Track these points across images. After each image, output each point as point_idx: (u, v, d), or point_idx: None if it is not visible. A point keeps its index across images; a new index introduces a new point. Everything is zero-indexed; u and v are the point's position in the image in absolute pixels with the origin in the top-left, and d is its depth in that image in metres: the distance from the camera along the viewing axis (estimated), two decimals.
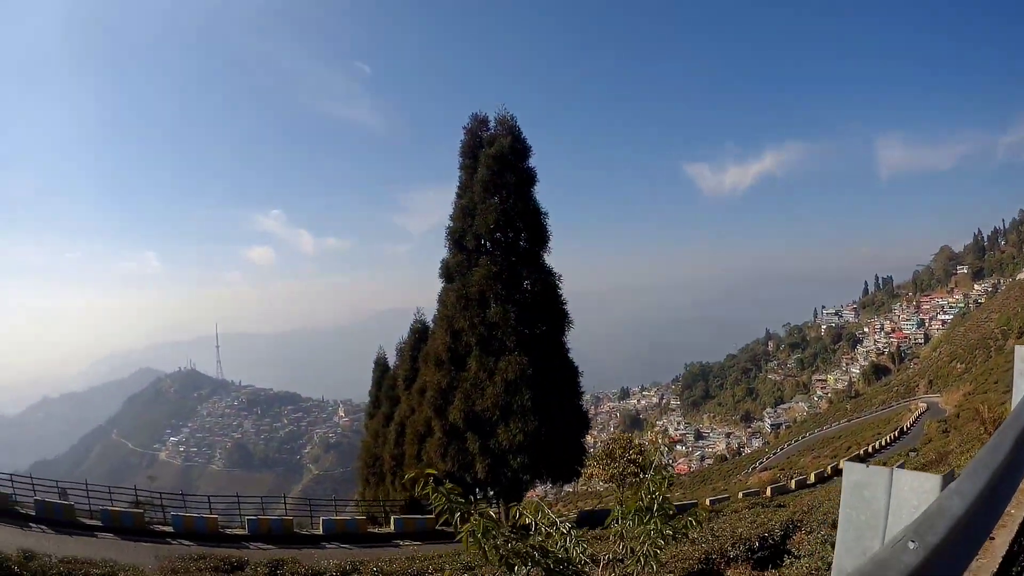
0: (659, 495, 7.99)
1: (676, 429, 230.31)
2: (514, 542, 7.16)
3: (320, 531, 35.19)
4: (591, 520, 33.13)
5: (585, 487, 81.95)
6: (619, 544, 8.65)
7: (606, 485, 40.55)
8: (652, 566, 7.76)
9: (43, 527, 31.16)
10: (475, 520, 7.11)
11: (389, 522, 37.84)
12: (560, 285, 35.85)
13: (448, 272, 36.05)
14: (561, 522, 7.90)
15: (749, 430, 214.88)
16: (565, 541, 7.68)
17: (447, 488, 7.50)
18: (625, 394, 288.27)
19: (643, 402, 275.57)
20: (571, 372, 35.64)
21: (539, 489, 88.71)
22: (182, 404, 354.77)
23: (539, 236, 35.86)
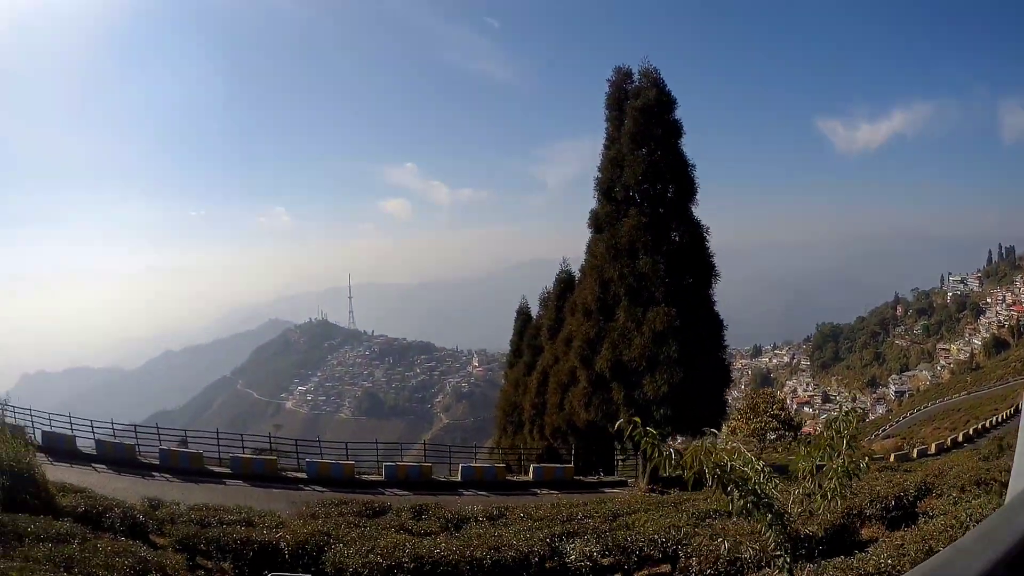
0: (848, 434, 8.17)
1: (804, 390, 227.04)
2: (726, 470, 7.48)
3: (458, 478, 35.63)
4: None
5: (726, 443, 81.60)
6: (808, 480, 8.79)
7: (747, 439, 40.35)
8: (837, 502, 8.03)
9: (167, 475, 32.84)
10: (698, 444, 7.53)
11: (527, 470, 38.29)
12: (708, 237, 35.62)
13: (597, 222, 36.12)
14: (757, 461, 8.15)
15: (875, 395, 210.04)
16: (759, 477, 7.91)
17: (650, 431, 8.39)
18: (757, 352, 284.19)
19: (774, 360, 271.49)
20: (716, 325, 35.42)
21: (678, 442, 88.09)
22: (311, 354, 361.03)
23: (687, 188, 35.60)
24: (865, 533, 12.94)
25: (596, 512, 17.95)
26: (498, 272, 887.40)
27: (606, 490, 33.76)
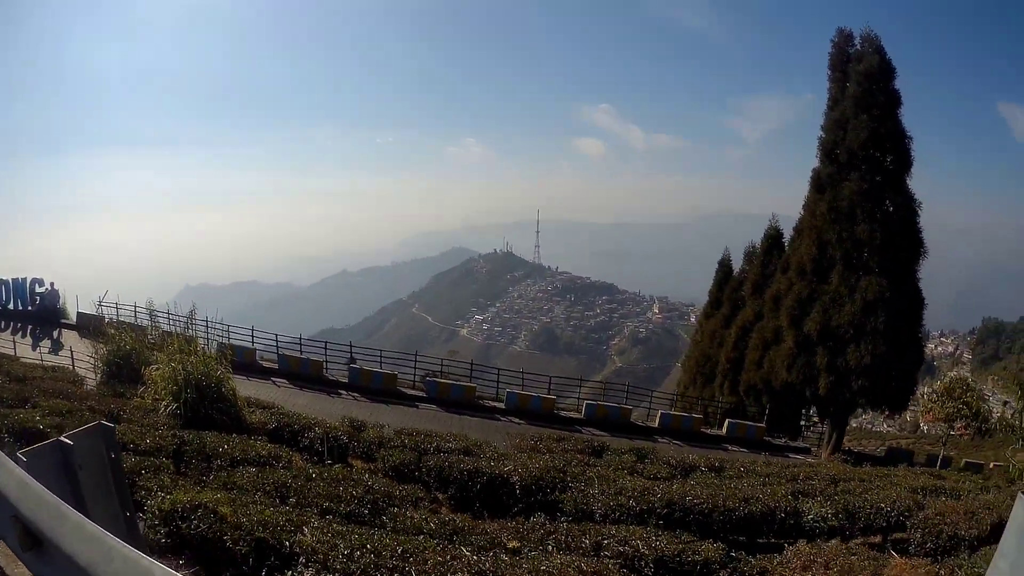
0: None
1: (930, 388, 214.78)
2: None
3: (656, 424, 36.18)
4: (896, 458, 34.16)
5: (921, 423, 79.80)
6: None
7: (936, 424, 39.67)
8: None
9: (355, 395, 33.26)
10: None
11: (718, 424, 38.80)
12: (919, 212, 35.44)
13: (819, 182, 36.54)
14: None
15: None
16: None
17: None
18: (925, 337, 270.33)
19: (939, 348, 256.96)
20: (917, 303, 35.30)
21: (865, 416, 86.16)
22: (492, 284, 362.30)
23: (903, 159, 35.51)
24: None
25: (815, 474, 17.42)
26: (687, 221, 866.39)
27: (791, 455, 33.54)
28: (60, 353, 32.36)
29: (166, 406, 14.69)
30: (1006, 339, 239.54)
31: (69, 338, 37.32)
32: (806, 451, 37.11)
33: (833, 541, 11.08)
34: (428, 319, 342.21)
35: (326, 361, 37.24)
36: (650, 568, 8.05)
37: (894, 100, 35.64)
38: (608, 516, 10.91)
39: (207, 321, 23.10)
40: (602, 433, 31.05)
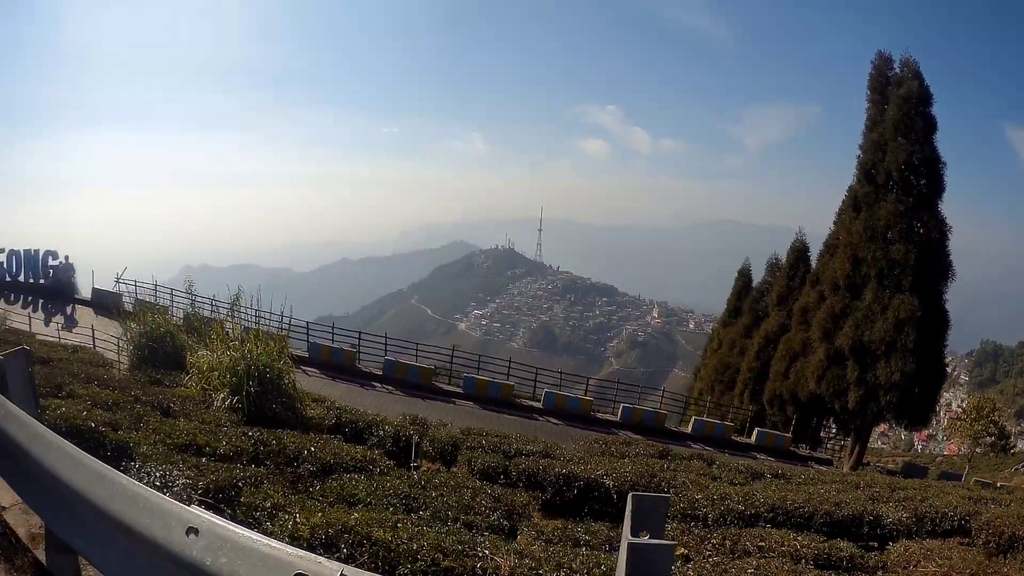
0: None
1: (959, 405, 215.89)
2: None
3: (688, 430, 36.71)
4: (913, 473, 35.09)
5: (946, 439, 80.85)
6: None
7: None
8: None
9: (389, 387, 32.84)
10: None
11: (750, 433, 39.05)
12: (949, 236, 36.29)
13: (855, 201, 37.40)
14: None
15: (1019, 427, 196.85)
16: None
17: None
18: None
19: None
20: (943, 323, 36.06)
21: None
22: (492, 280, 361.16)
23: (937, 184, 36.36)
24: None
25: (874, 482, 17.33)
26: (686, 226, 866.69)
27: (814, 465, 33.65)
28: (74, 330, 32.06)
29: (224, 399, 13.37)
30: (1004, 363, 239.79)
31: (83, 315, 37.02)
32: (828, 463, 37.58)
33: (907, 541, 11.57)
34: (427, 311, 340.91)
35: (359, 352, 36.79)
36: (810, 565, 8.42)
37: (931, 125, 36.52)
38: (718, 521, 10.83)
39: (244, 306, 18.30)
40: (638, 436, 30.36)
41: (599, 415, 36.12)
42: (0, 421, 5.04)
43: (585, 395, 38.41)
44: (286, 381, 14.39)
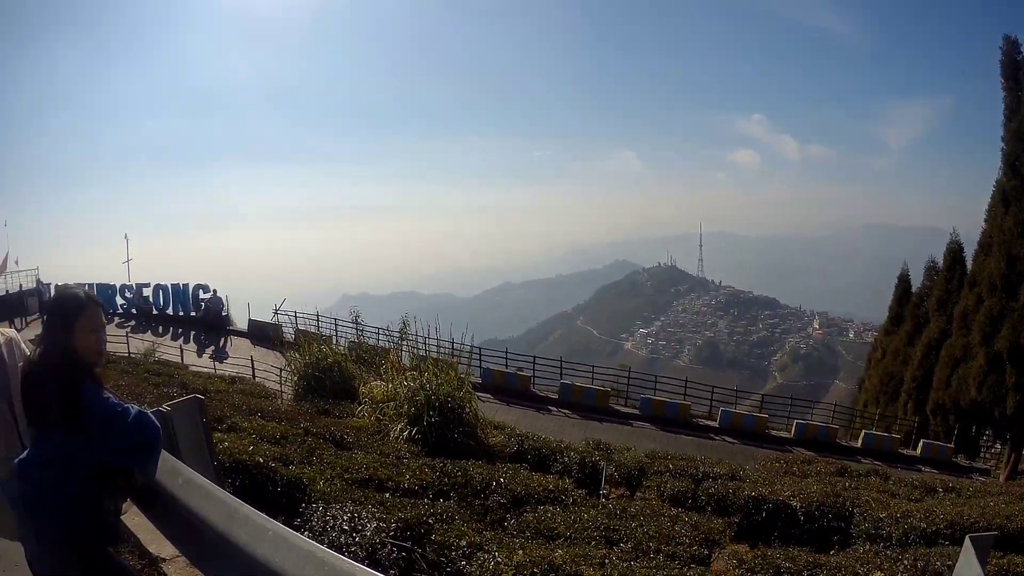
0: None
1: None
2: None
3: (858, 444, 35.46)
4: None
5: None
6: None
7: None
8: None
9: (565, 411, 32.19)
10: None
11: (915, 445, 37.41)
12: None
13: (1004, 195, 35.57)
14: None
15: None
16: None
17: None
18: None
19: None
20: None
21: None
22: (656, 298, 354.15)
23: None
24: None
25: None
26: (839, 232, 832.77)
27: (976, 476, 32.17)
28: (228, 361, 32.72)
29: (401, 429, 13.18)
30: None
31: (239, 346, 37.48)
32: (987, 473, 35.93)
33: None
34: (592, 332, 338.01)
35: (533, 376, 36.45)
36: None
37: None
38: (900, 540, 10.53)
39: (412, 334, 18.74)
40: (809, 453, 28.96)
41: (772, 432, 35.17)
42: (166, 478, 5.11)
43: (760, 412, 37.80)
44: (467, 410, 14.10)
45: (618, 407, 34.73)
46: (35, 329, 29.38)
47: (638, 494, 13.05)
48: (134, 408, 3.47)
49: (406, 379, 14.10)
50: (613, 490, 13.13)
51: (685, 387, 38.55)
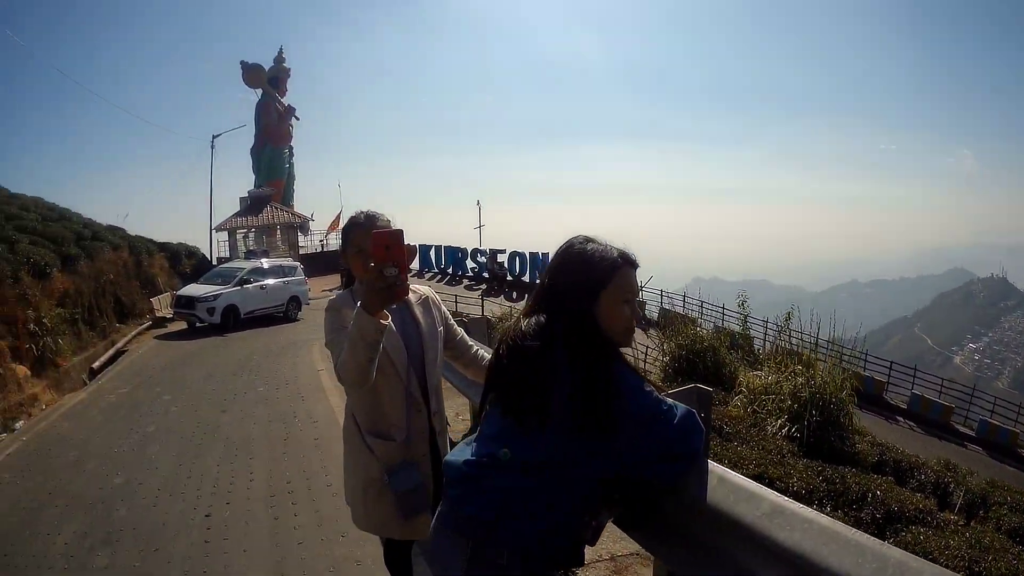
0: None
1: None
2: None
3: None
4: None
5: None
6: None
7: None
8: None
9: (910, 423, 30.81)
10: None
11: None
12: None
13: None
14: None
15: None
16: None
17: None
18: None
19: None
20: None
21: None
22: (985, 312, 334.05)
23: None
24: None
25: None
26: None
27: None
28: None
29: (780, 425, 11.78)
30: None
31: None
32: None
33: None
34: (927, 341, 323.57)
35: (888, 382, 34.88)
36: None
37: None
38: None
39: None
40: None
41: None
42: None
43: None
44: (845, 412, 12.43)
45: (955, 425, 33.46)
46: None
47: (973, 523, 10.82)
48: (680, 407, 2.39)
49: (793, 373, 12.85)
50: (948, 515, 11.06)
51: (1017, 412, 36.04)
